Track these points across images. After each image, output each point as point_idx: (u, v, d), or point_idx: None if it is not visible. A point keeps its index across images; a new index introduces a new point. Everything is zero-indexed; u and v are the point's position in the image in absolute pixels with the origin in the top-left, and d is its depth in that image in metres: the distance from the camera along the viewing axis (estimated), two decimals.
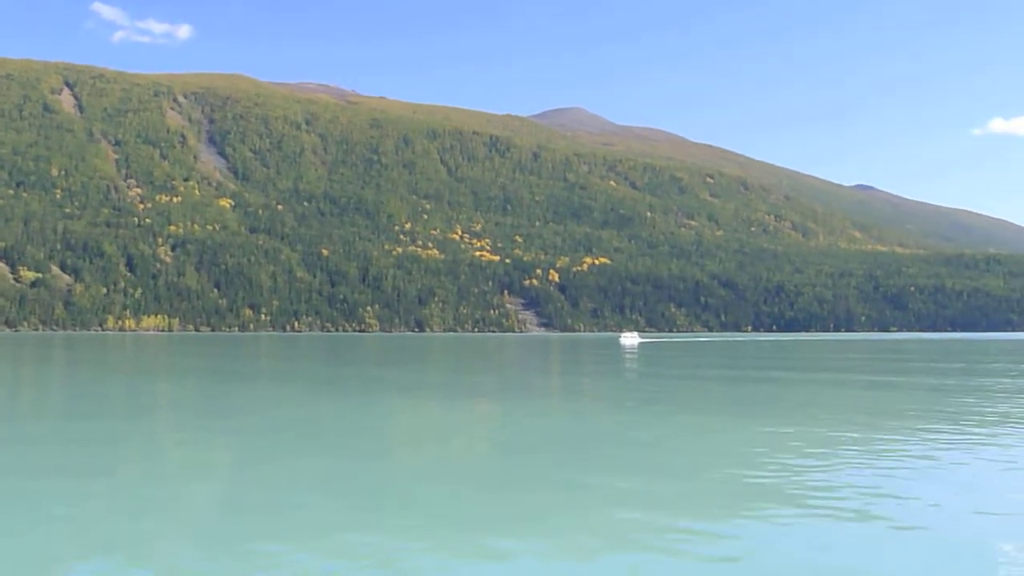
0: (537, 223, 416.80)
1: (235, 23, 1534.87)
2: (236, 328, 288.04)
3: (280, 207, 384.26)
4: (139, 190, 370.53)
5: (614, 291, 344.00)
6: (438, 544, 9.66)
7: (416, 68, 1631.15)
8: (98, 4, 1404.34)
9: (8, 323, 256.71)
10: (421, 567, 8.84)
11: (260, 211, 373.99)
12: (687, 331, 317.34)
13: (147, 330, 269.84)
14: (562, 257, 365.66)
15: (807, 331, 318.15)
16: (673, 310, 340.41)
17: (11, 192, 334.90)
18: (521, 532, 10.22)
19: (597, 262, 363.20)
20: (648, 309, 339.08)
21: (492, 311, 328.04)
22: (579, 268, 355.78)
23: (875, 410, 25.64)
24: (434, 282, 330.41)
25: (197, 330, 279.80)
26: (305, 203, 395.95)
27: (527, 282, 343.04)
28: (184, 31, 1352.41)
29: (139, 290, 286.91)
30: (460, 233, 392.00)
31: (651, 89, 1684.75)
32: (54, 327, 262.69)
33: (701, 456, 16.36)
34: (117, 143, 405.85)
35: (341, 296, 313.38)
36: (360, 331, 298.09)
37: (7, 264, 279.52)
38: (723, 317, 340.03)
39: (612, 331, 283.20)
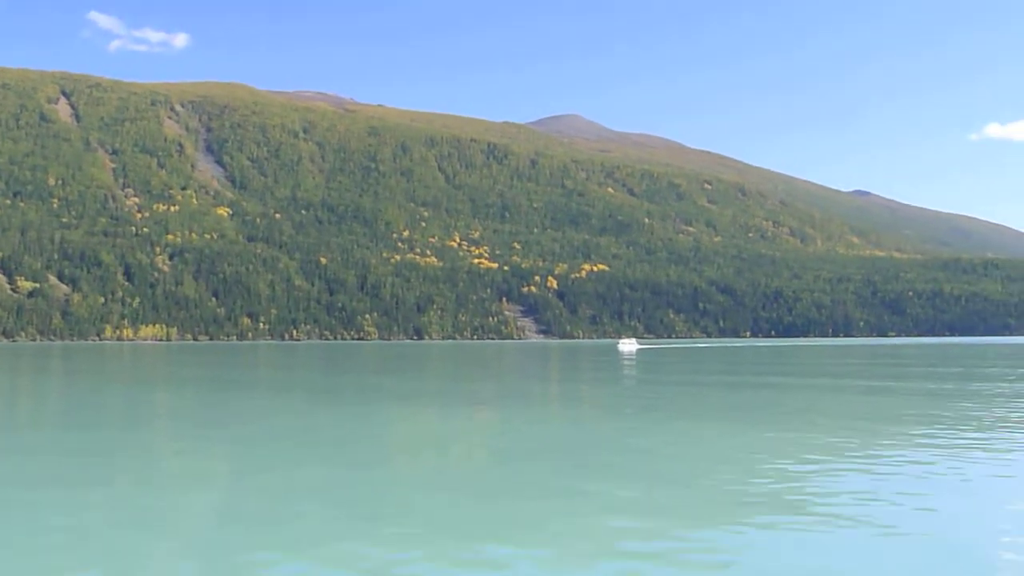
0: (535, 230, 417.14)
1: (232, 31, 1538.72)
2: (234, 337, 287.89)
3: (278, 215, 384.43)
4: (136, 199, 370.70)
5: (612, 298, 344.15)
6: (436, 553, 9.64)
7: (413, 76, 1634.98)
8: (94, 13, 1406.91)
9: (5, 333, 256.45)
10: None
11: (258, 219, 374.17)
12: (686, 337, 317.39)
13: (145, 339, 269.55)
14: (560, 264, 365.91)
15: (806, 336, 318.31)
16: (672, 316, 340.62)
17: (8, 202, 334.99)
18: (519, 540, 10.21)
19: (595, 269, 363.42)
20: (647, 315, 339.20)
21: (491, 318, 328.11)
22: (577, 275, 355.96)
23: (874, 415, 25.64)
24: (432, 290, 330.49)
25: (195, 339, 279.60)
26: (303, 211, 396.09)
27: (525, 289, 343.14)
28: (181, 40, 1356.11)
29: (137, 299, 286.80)
30: (458, 240, 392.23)
31: (648, 95, 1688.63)
32: (51, 337, 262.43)
33: (699, 463, 16.35)
34: (114, 152, 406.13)
35: (339, 304, 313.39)
36: (359, 339, 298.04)
37: (4, 274, 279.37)
38: (722, 323, 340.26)
39: (611, 338, 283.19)
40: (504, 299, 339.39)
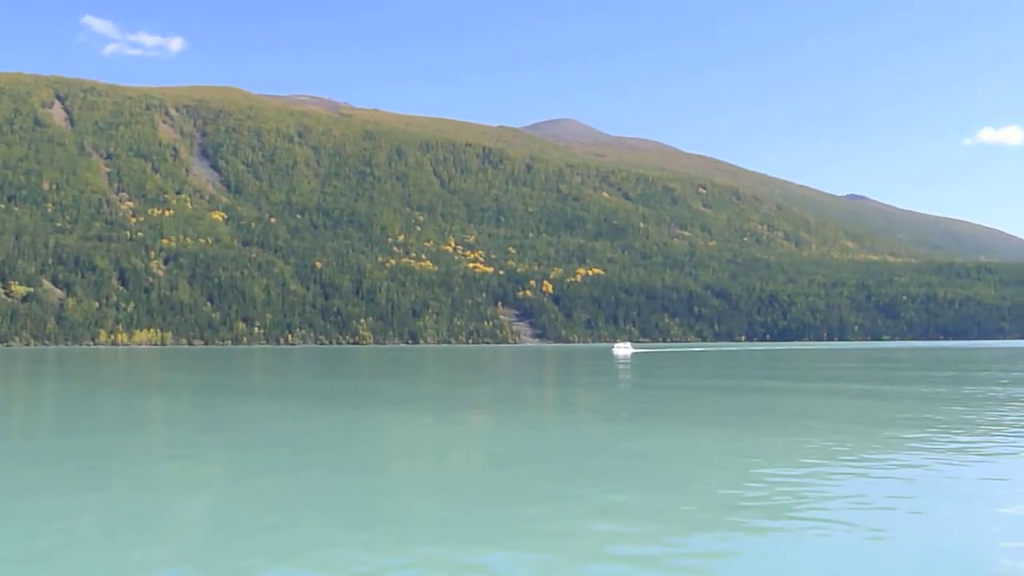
0: (530, 234, 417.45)
1: (227, 36, 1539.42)
2: (229, 342, 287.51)
3: (273, 220, 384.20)
4: (131, 203, 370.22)
5: (608, 302, 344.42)
6: (429, 558, 9.66)
7: (409, 80, 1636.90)
8: (89, 17, 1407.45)
9: (0, 338, 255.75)
10: None
11: (253, 224, 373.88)
12: (681, 341, 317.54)
13: (140, 344, 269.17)
14: (556, 268, 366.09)
15: (800, 340, 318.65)
16: (667, 320, 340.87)
17: (2, 206, 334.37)
18: (513, 545, 10.22)
19: (591, 273, 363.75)
20: (642, 320, 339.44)
21: (486, 323, 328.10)
22: (573, 279, 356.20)
23: (868, 419, 25.69)
24: (428, 294, 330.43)
25: (190, 344, 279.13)
26: (298, 216, 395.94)
27: (521, 293, 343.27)
28: (176, 44, 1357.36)
29: (131, 304, 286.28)
30: (453, 245, 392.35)
31: (643, 100, 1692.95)
32: (46, 342, 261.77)
33: (694, 467, 16.38)
34: (109, 156, 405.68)
35: (335, 309, 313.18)
36: (354, 344, 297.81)
37: None
38: (716, 327, 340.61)
39: (606, 342, 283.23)
40: (499, 303, 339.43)
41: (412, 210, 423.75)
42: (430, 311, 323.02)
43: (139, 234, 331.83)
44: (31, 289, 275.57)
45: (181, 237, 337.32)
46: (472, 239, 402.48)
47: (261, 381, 57.66)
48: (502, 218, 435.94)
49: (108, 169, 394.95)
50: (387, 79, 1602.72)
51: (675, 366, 76.44)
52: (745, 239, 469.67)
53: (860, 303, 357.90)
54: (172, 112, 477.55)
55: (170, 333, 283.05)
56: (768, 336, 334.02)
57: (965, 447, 18.09)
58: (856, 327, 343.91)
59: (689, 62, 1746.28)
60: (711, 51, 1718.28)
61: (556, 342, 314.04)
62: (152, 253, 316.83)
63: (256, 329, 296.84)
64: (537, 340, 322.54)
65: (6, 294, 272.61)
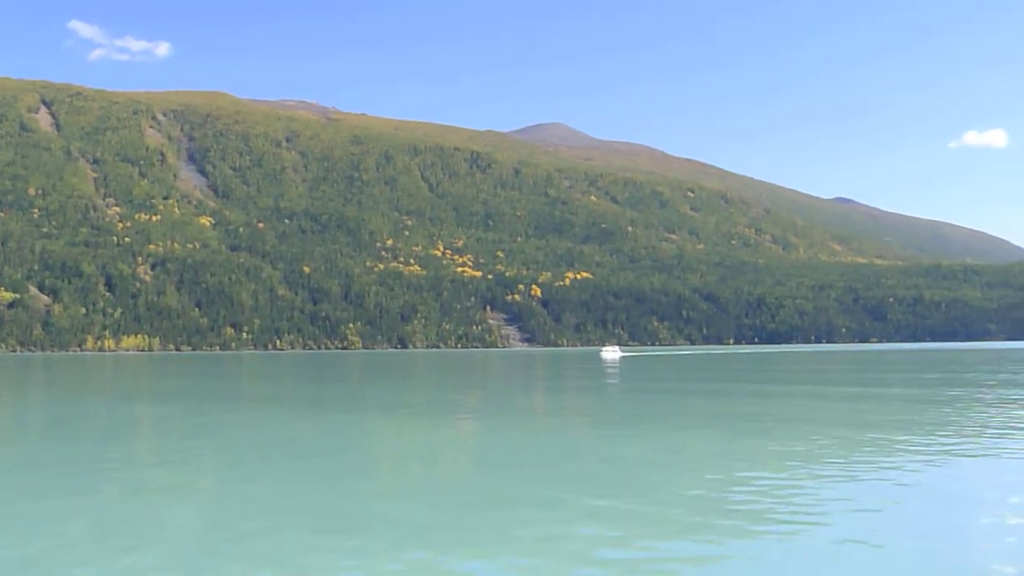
0: (519, 238, 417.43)
1: (214, 40, 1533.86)
2: (218, 347, 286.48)
3: (261, 225, 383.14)
4: (118, 209, 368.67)
5: (596, 306, 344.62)
6: (415, 563, 9.70)
7: (397, 84, 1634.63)
8: (75, 22, 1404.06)
9: None
10: None
11: (241, 229, 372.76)
12: (669, 345, 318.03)
13: (127, 350, 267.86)
14: (544, 272, 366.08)
15: (788, 343, 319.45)
16: (655, 324, 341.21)
17: None
18: (500, 550, 10.27)
19: (579, 277, 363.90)
20: (630, 323, 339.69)
21: (475, 327, 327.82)
22: (561, 283, 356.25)
23: (856, 422, 25.82)
24: (416, 298, 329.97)
25: (178, 349, 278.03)
26: (286, 220, 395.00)
27: (509, 297, 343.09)
28: (163, 49, 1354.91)
29: (119, 310, 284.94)
30: (442, 249, 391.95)
31: (631, 104, 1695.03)
32: (32, 348, 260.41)
33: (681, 472, 16.44)
34: (95, 162, 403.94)
35: (323, 314, 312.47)
36: (343, 348, 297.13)
37: None
38: (705, 330, 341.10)
39: (595, 345, 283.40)
40: (488, 307, 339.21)
41: (400, 214, 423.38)
42: (419, 315, 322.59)
43: (126, 239, 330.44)
44: (17, 295, 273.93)
45: (168, 242, 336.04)
46: (461, 243, 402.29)
47: (250, 387, 57.52)
48: (491, 222, 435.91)
49: (95, 174, 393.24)
50: (375, 84, 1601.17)
51: (663, 370, 76.58)
52: (733, 242, 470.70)
53: (848, 306, 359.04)
54: (159, 117, 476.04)
55: (158, 339, 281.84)
56: (756, 339, 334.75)
57: (953, 449, 18.22)
58: (844, 330, 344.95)
59: (677, 66, 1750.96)
60: (699, 55, 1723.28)
61: (545, 346, 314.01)
62: (139, 259, 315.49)
63: (244, 334, 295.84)
64: (526, 344, 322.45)
65: None
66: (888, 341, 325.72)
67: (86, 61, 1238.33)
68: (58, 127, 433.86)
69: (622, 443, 20.68)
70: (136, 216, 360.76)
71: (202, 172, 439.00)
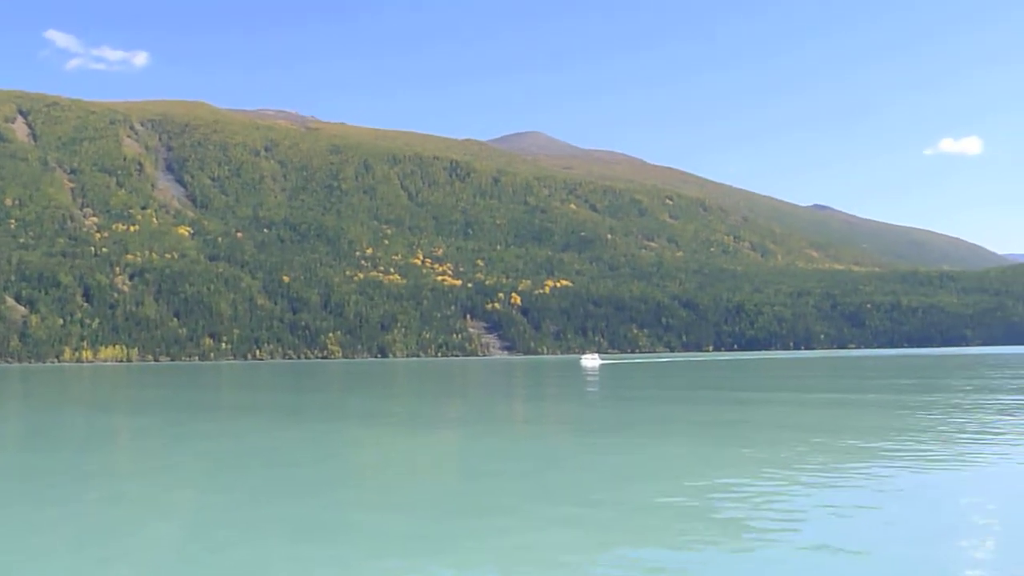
0: (499, 247, 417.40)
1: (192, 50, 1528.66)
2: (196, 357, 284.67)
3: (240, 234, 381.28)
4: (95, 219, 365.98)
5: (576, 313, 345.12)
6: (393, 572, 9.71)
7: (375, 94, 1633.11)
8: (52, 32, 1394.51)
9: None
10: None
11: (219, 239, 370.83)
12: (649, 352, 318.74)
13: (105, 361, 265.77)
14: (524, 280, 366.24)
15: (767, 350, 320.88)
16: (635, 331, 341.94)
17: None
18: (478, 559, 10.28)
19: (559, 285, 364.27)
20: (610, 331, 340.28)
21: (455, 335, 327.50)
22: (541, 291, 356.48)
23: (834, 428, 25.99)
24: (396, 307, 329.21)
25: (156, 360, 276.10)
26: (265, 230, 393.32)
27: (490, 306, 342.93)
28: (141, 58, 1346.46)
29: (96, 320, 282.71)
30: (422, 258, 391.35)
31: (610, 112, 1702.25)
32: (9, 359, 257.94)
33: (661, 480, 16.47)
34: (72, 172, 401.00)
35: (303, 323, 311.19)
36: (322, 358, 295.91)
37: None
38: (684, 337, 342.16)
39: (575, 353, 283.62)
40: (468, 316, 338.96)
41: (380, 223, 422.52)
42: (399, 325, 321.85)
43: (104, 250, 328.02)
44: None
45: (147, 252, 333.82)
46: (440, 252, 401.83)
47: (229, 396, 57.23)
48: (470, 231, 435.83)
49: (72, 184, 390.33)
50: (354, 93, 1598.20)
51: (642, 377, 76.77)
52: (712, 250, 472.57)
53: (826, 312, 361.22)
54: (137, 127, 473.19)
55: (136, 349, 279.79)
56: (736, 346, 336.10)
57: (931, 455, 18.38)
58: (822, 336, 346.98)
59: (655, 74, 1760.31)
60: (677, 64, 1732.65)
61: (525, 354, 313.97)
62: (117, 269, 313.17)
63: (223, 344, 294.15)
64: (506, 352, 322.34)
65: None
66: (866, 347, 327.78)
67: (63, 71, 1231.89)
68: (35, 137, 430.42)
69: (602, 451, 20.73)
70: (114, 226, 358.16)
71: (180, 182, 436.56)
